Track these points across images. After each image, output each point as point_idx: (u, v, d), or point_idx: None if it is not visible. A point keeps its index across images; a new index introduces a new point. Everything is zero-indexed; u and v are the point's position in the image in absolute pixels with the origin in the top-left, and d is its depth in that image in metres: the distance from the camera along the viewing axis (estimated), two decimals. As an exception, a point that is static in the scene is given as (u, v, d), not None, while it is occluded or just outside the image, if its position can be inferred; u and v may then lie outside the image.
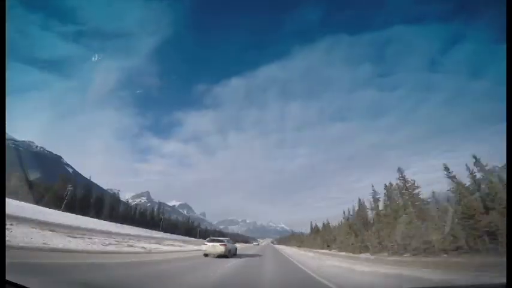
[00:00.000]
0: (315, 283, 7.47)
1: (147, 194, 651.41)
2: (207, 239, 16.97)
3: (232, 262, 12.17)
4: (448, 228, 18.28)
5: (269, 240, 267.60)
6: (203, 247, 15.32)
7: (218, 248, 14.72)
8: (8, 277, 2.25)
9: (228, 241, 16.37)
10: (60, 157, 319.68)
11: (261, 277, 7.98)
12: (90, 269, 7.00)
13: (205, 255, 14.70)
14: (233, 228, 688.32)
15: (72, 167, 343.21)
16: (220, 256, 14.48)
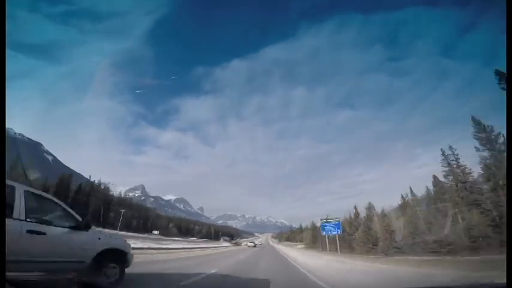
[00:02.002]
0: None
1: (142, 188, 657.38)
2: (249, 239, 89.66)
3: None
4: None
5: (268, 236, 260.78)
6: (248, 244, 64.19)
7: (252, 243, 63.85)
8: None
9: (254, 241, 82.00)
10: (40, 144, 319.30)
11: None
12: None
13: (248, 246, 56.95)
14: (232, 224, 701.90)
15: (53, 155, 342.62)
16: (254, 247, 55.07)
